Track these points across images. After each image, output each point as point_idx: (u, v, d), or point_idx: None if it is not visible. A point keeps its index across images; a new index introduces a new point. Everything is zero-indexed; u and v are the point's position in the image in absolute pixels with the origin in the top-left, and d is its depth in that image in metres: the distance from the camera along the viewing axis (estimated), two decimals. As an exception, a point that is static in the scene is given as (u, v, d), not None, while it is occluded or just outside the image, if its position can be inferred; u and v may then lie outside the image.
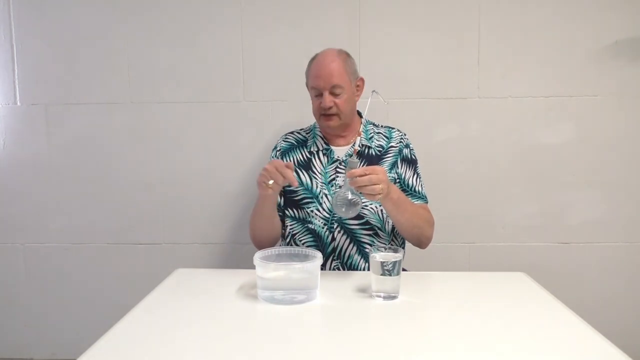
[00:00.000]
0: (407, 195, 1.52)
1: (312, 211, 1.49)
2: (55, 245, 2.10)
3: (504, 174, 1.99)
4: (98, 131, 2.05)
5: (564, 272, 2.00)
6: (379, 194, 1.24)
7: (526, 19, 1.93)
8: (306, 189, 1.51)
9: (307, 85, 1.59)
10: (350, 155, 1.51)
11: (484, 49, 1.95)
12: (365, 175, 1.23)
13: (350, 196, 1.26)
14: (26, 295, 2.13)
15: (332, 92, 1.47)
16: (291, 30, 1.97)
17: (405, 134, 1.61)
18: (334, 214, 1.46)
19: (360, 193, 1.26)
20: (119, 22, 2.00)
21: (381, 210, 1.48)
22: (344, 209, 1.27)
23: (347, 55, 1.54)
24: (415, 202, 1.52)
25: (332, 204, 1.31)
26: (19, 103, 2.05)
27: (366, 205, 1.46)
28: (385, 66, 1.96)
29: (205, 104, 2.02)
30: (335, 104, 1.47)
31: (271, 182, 1.30)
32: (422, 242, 1.51)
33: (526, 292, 1.26)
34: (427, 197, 1.56)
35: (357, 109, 1.60)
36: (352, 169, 1.25)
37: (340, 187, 1.35)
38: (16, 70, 2.04)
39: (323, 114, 1.50)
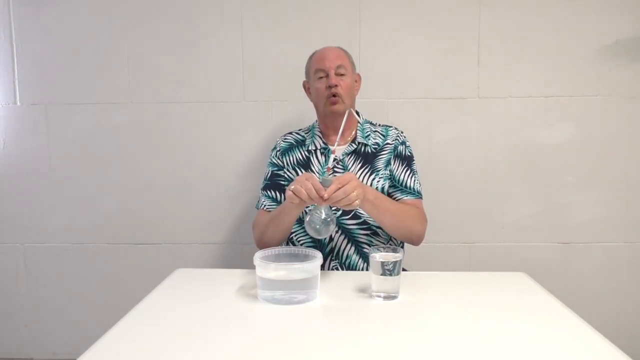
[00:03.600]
0: (396, 190, 1.52)
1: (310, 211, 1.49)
2: (55, 245, 2.10)
3: (504, 174, 1.99)
4: (98, 131, 2.05)
5: (564, 272, 2.00)
6: (356, 199, 1.23)
7: (526, 19, 1.93)
8: None
9: (306, 81, 1.60)
10: (335, 164, 1.52)
11: (484, 49, 1.95)
12: (339, 189, 1.21)
13: (324, 216, 1.23)
14: (26, 295, 2.13)
15: (337, 73, 1.50)
16: (291, 31, 1.97)
17: (402, 132, 1.60)
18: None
19: (335, 210, 1.23)
20: (119, 22, 2.00)
21: None
22: (316, 230, 1.23)
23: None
24: (405, 198, 1.51)
25: (305, 225, 1.27)
26: (19, 103, 2.05)
27: None
28: (385, 66, 1.96)
29: (205, 104, 2.02)
30: (340, 84, 1.49)
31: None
32: (412, 240, 1.49)
33: (526, 292, 1.26)
34: (422, 193, 1.54)
35: (356, 109, 1.60)
36: (326, 187, 1.21)
37: (311, 209, 1.29)
38: (16, 70, 2.04)
39: (329, 96, 1.49)
